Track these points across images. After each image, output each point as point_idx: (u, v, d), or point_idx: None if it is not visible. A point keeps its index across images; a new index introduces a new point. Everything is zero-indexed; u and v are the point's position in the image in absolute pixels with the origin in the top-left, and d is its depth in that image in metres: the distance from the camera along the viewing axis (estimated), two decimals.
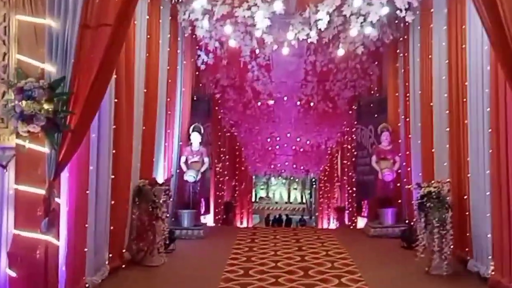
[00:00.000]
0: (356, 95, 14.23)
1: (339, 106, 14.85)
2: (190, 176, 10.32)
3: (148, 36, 8.33)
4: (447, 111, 8.14)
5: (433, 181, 7.62)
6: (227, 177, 17.39)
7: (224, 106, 15.28)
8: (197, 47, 12.10)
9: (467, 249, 7.38)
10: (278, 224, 29.67)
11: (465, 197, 7.40)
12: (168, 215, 9.85)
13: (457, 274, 7.18)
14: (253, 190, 31.20)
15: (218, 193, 15.60)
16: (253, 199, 29.18)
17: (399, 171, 10.80)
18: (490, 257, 6.53)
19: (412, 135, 10.14)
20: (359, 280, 6.88)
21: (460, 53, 7.54)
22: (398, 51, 11.07)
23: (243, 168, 20.42)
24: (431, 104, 8.87)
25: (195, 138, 10.71)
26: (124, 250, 7.46)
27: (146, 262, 7.64)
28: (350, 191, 15.82)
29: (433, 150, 8.82)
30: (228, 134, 17.41)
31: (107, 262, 6.75)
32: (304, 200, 38.13)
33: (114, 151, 6.89)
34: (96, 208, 6.33)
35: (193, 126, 10.87)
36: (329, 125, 17.04)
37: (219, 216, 15.62)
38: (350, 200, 15.99)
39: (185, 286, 6.87)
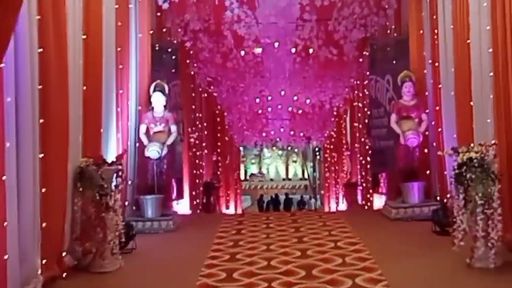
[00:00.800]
0: (367, 37, 13.59)
1: (346, 52, 14.16)
2: (152, 151, 9.73)
3: None
4: (490, 50, 7.57)
5: (473, 145, 7.08)
6: (205, 151, 16.78)
7: (198, 58, 14.61)
8: None
9: None
10: (275, 206, 29.28)
11: None
12: (126, 203, 9.50)
13: (509, 266, 6.69)
14: (242, 166, 30.69)
15: (194, 171, 15.02)
16: (242, 177, 28.72)
17: (427, 133, 10.26)
18: None
19: (443, 85, 9.58)
20: (379, 279, 6.34)
21: None
22: None
23: (226, 138, 19.70)
24: (468, 41, 8.29)
25: (158, 100, 10.08)
26: (64, 254, 6.89)
27: (95, 268, 7.11)
28: (364, 162, 15.28)
29: (471, 103, 8.29)
30: (205, 94, 16.78)
31: (39, 272, 6.21)
32: (306, 176, 37.68)
33: (42, 121, 6.27)
34: (19, 200, 5.76)
35: (154, 84, 10.22)
36: (334, 78, 16.45)
37: (197, 201, 15.08)
38: (363, 173, 15.47)
39: None
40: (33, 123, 6.05)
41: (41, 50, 6.21)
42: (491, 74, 7.55)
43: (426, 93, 10.50)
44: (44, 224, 6.30)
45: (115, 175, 7.42)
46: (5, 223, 5.40)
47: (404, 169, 10.09)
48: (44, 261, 6.26)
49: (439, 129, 9.82)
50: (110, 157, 8.07)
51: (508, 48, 7.01)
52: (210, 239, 8.82)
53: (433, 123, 10.18)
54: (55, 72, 6.49)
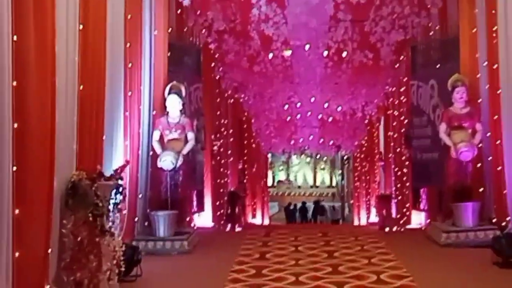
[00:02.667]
0: (407, 40, 12.01)
1: (382, 56, 12.67)
2: (165, 162, 8.20)
3: None
4: None
5: None
6: (231, 159, 15.51)
7: (223, 61, 13.24)
8: None
9: None
10: (302, 215, 28.14)
11: None
12: (136, 219, 8.05)
13: None
14: (269, 173, 29.68)
15: (218, 180, 13.62)
16: (269, 184, 27.83)
17: (480, 145, 8.57)
18: None
19: (503, 90, 7.89)
20: None
21: None
22: None
23: (253, 146, 19.02)
24: None
25: (173, 103, 8.56)
26: (48, 286, 5.40)
27: None
28: (399, 174, 13.71)
29: None
30: (231, 100, 15.53)
31: None
32: (334, 183, 36.51)
33: (15, 125, 4.80)
34: None
35: (169, 86, 8.71)
36: (368, 84, 15.22)
37: (221, 212, 13.64)
38: (399, 185, 13.90)
39: None
40: (1, 128, 4.59)
41: (15, 39, 4.76)
42: None
43: (479, 100, 8.82)
44: (17, 254, 4.85)
45: (114, 191, 5.92)
46: None
47: (455, 186, 8.42)
48: None
49: (497, 142, 8.13)
50: (111, 169, 6.60)
51: None
52: (229, 264, 7.25)
53: (488, 134, 8.50)
54: (36, 66, 4.99)
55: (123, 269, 5.98)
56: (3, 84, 4.59)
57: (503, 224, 7.94)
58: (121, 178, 6.04)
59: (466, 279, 6.44)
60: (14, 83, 4.77)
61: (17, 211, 4.81)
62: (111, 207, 5.83)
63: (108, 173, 6.11)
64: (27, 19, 4.93)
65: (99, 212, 5.62)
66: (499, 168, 8.07)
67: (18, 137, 4.82)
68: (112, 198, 5.91)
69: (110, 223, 5.77)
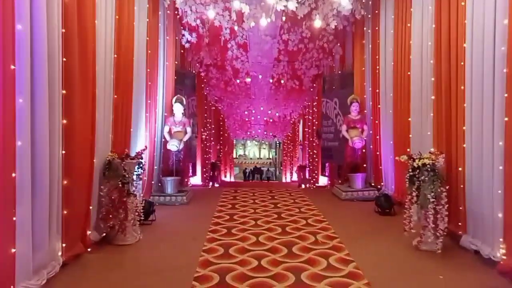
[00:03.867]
0: (320, 74, 11.35)
1: (304, 83, 12.02)
2: (172, 146, 7.29)
3: None
4: (432, 78, 5.30)
5: (424, 153, 4.84)
6: (212, 142, 14.62)
7: (209, 84, 12.26)
8: (181, 27, 8.94)
9: (459, 224, 4.67)
10: (257, 173, 27.58)
11: (460, 169, 4.65)
12: (153, 182, 7.14)
13: (450, 250, 4.49)
14: (234, 150, 28.94)
15: (205, 155, 12.71)
16: (234, 156, 27.19)
17: (365, 138, 7.99)
18: (501, 239, 3.85)
19: (381, 105, 7.31)
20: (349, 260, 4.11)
21: (456, 12, 4.64)
22: (365, 28, 8.10)
23: (226, 135, 18.19)
24: (409, 73, 6.02)
25: (178, 109, 7.61)
26: (89, 232, 4.48)
27: (117, 241, 4.73)
28: (312, 154, 13.12)
29: (409, 119, 6.03)
30: (213, 108, 14.59)
31: (60, 253, 3.83)
32: (270, 156, 35.93)
33: (64, 121, 3.85)
34: (34, 195, 3.36)
35: (175, 97, 7.77)
36: (295, 100, 14.50)
37: (207, 174, 12.76)
38: (311, 160, 13.31)
39: (157, 266, 4.03)
40: (52, 124, 3.62)
41: (64, 59, 3.80)
42: (433, 97, 5.30)
43: (365, 111, 8.23)
44: (65, 212, 3.92)
45: (136, 166, 5.02)
46: (14, 218, 3.03)
47: (350, 164, 7.81)
48: (64, 245, 3.89)
49: (377, 137, 7.57)
50: (138, 150, 5.67)
51: (454, 75, 4.76)
52: (213, 212, 6.47)
53: (370, 132, 7.93)
54: (78, 81, 4.02)
55: (142, 217, 5.12)
56: (54, 92, 3.64)
57: (379, 187, 7.43)
58: (142, 158, 5.13)
59: (360, 221, 5.86)
60: (64, 91, 3.82)
61: (65, 182, 3.89)
62: (134, 177, 4.93)
63: (133, 154, 5.20)
64: (73, 47, 3.96)
65: (126, 181, 4.76)
66: (378, 153, 7.53)
67: (66, 130, 3.90)
68: (136, 171, 5.01)
69: (134, 188, 4.87)
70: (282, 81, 12.33)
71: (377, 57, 7.39)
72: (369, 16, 7.77)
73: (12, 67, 3.05)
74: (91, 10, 4.32)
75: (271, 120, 18.15)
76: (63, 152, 3.84)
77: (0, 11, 2.92)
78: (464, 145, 4.53)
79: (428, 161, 4.52)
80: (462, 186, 4.58)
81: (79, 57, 4.03)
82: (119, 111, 5.36)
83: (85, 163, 4.29)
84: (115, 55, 5.15)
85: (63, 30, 3.77)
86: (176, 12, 8.19)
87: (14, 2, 3.05)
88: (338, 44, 9.89)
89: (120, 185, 4.69)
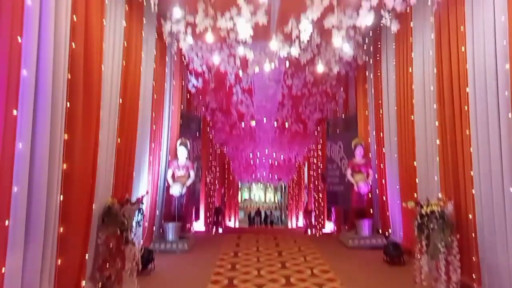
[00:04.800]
0: (323, 118, 11.45)
1: (308, 127, 12.17)
2: (175, 190, 7.15)
3: (125, 44, 5.31)
4: (436, 123, 5.26)
5: (431, 200, 4.68)
6: (217, 186, 14.49)
7: (214, 127, 12.41)
8: (187, 73, 9.16)
9: (474, 276, 4.39)
10: (258, 215, 27.03)
11: (470, 216, 4.45)
12: (154, 227, 6.93)
13: None
14: (239, 194, 28.65)
15: (209, 200, 12.51)
16: (239, 200, 26.93)
17: (370, 183, 7.80)
18: None
19: (386, 149, 7.22)
20: None
21: (457, 57, 4.68)
22: (367, 73, 8.21)
23: (231, 178, 18.19)
24: (412, 117, 5.99)
25: (182, 152, 7.57)
26: (84, 283, 4.25)
27: None
28: (317, 198, 12.87)
29: (415, 164, 5.92)
30: (218, 151, 14.66)
31: None
32: (276, 200, 35.44)
33: (65, 166, 3.80)
34: (26, 242, 3.23)
35: (179, 141, 7.75)
36: (299, 143, 14.68)
37: (210, 219, 12.49)
38: (317, 205, 13.04)
39: None
40: (52, 168, 3.56)
41: (68, 104, 3.83)
42: (438, 141, 5.22)
43: (370, 155, 8.12)
44: (59, 261, 3.76)
45: (136, 212, 4.89)
46: (3, 270, 2.90)
47: (356, 209, 7.57)
48: None
49: (383, 181, 7.40)
50: (139, 195, 5.57)
51: (458, 120, 4.72)
52: (214, 260, 6.20)
53: (376, 176, 7.78)
54: (81, 125, 4.02)
55: (140, 267, 4.90)
56: (56, 136, 3.62)
57: (387, 234, 7.15)
58: (142, 203, 5.01)
59: (368, 272, 5.54)
60: (66, 136, 3.81)
61: (61, 229, 3.76)
62: (134, 223, 4.78)
63: (134, 199, 5.08)
64: (78, 92, 4.00)
65: (125, 228, 4.59)
66: (384, 198, 7.33)
67: (66, 175, 3.82)
68: (136, 217, 4.88)
69: (133, 235, 4.70)
70: (287, 125, 12.46)
71: (380, 101, 7.42)
72: (371, 61, 7.91)
73: (15, 112, 3.06)
74: (98, 57, 4.42)
75: (276, 163, 18.20)
76: (61, 197, 3.75)
77: (7, 56, 2.97)
78: (473, 191, 4.38)
79: (436, 208, 4.36)
80: (473, 235, 4.36)
81: (84, 102, 4.05)
82: (122, 155, 5.31)
83: (83, 209, 4.18)
84: (121, 100, 5.19)
85: (69, 76, 3.82)
86: (182, 58, 8.41)
87: (21, 48, 3.11)
88: (341, 89, 10.02)
89: (119, 232, 4.54)
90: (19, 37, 3.04)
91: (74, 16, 3.81)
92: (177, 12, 5.76)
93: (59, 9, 3.57)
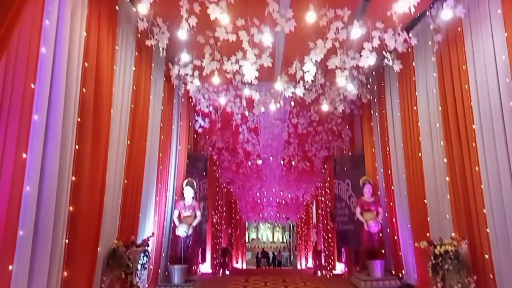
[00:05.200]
0: (330, 155, 11.41)
1: (315, 165, 12.09)
2: (181, 231, 7.01)
3: (134, 87, 5.46)
4: (445, 159, 5.22)
5: (444, 239, 4.55)
6: (224, 226, 14.25)
7: (221, 166, 12.42)
8: (195, 114, 9.33)
9: None
10: (264, 257, 26.32)
11: (486, 256, 4.29)
12: (160, 270, 6.75)
13: None
14: (246, 234, 28.11)
15: (215, 240, 12.28)
16: (246, 240, 26.39)
17: (380, 221, 7.61)
18: None
19: (395, 187, 7.12)
20: None
21: (461, 94, 4.73)
22: (372, 111, 8.28)
23: (237, 217, 17.94)
24: (420, 154, 5.96)
25: (188, 192, 7.52)
26: None
27: None
28: (327, 238, 12.57)
29: (425, 201, 5.80)
30: (225, 189, 14.58)
31: None
32: (284, 240, 34.58)
33: (71, 208, 3.80)
34: (30, 286, 3.17)
35: (186, 181, 7.72)
36: (306, 181, 14.54)
37: (217, 261, 12.18)
38: (326, 244, 12.71)
39: None
40: (58, 211, 3.56)
41: (77, 146, 3.89)
42: (447, 178, 5.15)
43: (379, 193, 7.99)
44: None
45: (142, 254, 4.80)
46: None
47: (367, 249, 7.32)
48: None
49: (393, 220, 7.23)
50: (145, 236, 5.50)
51: (467, 156, 4.68)
52: None
53: (386, 214, 7.61)
54: (88, 167, 4.06)
55: None
56: (64, 179, 3.64)
57: (400, 275, 6.88)
58: (148, 245, 4.94)
59: None
60: (73, 178, 3.83)
61: (65, 273, 3.69)
62: (139, 266, 4.69)
63: (139, 241, 5.01)
64: (87, 135, 4.07)
65: (129, 271, 4.51)
66: (396, 237, 7.13)
67: (72, 218, 3.81)
68: (141, 260, 4.78)
69: (138, 279, 4.59)
70: (293, 163, 12.43)
71: (386, 138, 7.42)
72: (375, 100, 8.00)
73: (24, 155, 3.11)
74: (108, 100, 4.54)
75: (283, 202, 17.94)
76: (66, 241, 3.71)
77: (20, 102, 3.07)
78: (488, 230, 4.25)
79: (450, 247, 4.23)
80: (491, 276, 4.18)
81: (92, 144, 4.12)
82: (128, 196, 5.30)
83: (88, 252, 4.12)
84: (128, 141, 5.27)
85: (79, 119, 3.92)
86: (190, 100, 8.59)
87: (34, 94, 3.22)
88: (347, 127, 10.07)
89: (123, 275, 4.45)
90: (32, 84, 3.15)
91: (86, 62, 3.97)
92: (184, 56, 5.96)
93: (71, 56, 3.72)
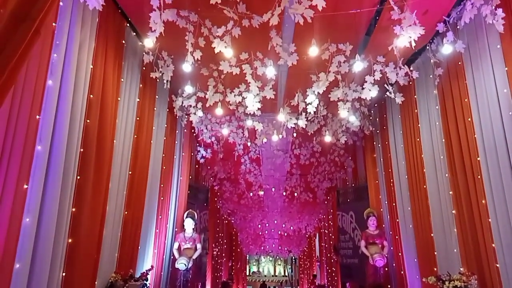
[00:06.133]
0: (333, 187, 11.32)
1: (318, 196, 11.93)
2: (181, 264, 6.85)
3: (138, 118, 5.52)
4: (450, 192, 5.17)
5: (453, 274, 4.42)
6: (224, 259, 13.92)
7: (222, 197, 12.31)
8: (197, 144, 9.36)
9: None
10: None
11: None
12: None
13: None
14: (247, 267, 27.47)
15: (215, 274, 11.99)
16: (247, 274, 25.78)
17: (386, 255, 7.44)
18: None
19: (400, 220, 7.01)
20: None
21: (465, 127, 4.75)
22: (375, 142, 8.29)
23: (238, 250, 17.51)
24: (425, 186, 5.90)
25: (189, 224, 7.40)
26: None
27: None
28: (331, 271, 12.25)
29: (432, 235, 5.69)
30: (226, 221, 14.35)
31: None
32: (286, 274, 33.77)
33: (70, 240, 3.73)
34: None
35: (187, 212, 7.62)
36: (309, 213, 14.34)
37: None
38: (329, 278, 12.38)
39: None
40: (56, 243, 3.49)
41: (78, 177, 3.88)
42: (454, 211, 5.08)
43: (383, 225, 7.86)
44: None
45: None
46: None
47: (373, 283, 7.09)
48: None
49: (399, 254, 7.06)
50: (145, 268, 5.37)
51: (472, 189, 4.64)
52: None
53: (391, 248, 7.44)
54: (90, 198, 4.03)
55: None
56: (64, 210, 3.61)
57: None
58: (147, 279, 4.81)
59: None
60: (74, 209, 3.80)
61: None
62: None
63: (138, 274, 4.89)
64: (89, 165, 4.06)
65: None
66: (402, 272, 6.94)
67: (70, 250, 3.74)
68: None
69: None
70: (296, 194, 12.32)
71: (390, 170, 7.39)
72: (378, 131, 8.03)
73: (25, 186, 3.10)
74: (111, 131, 4.57)
75: (285, 234, 17.62)
76: (63, 274, 3.62)
77: (24, 134, 3.09)
78: (497, 265, 4.14)
79: (460, 283, 4.11)
80: None
81: (94, 175, 4.11)
82: (128, 228, 5.22)
83: (85, 286, 4.01)
84: (130, 172, 5.26)
85: (81, 150, 3.93)
86: (192, 131, 8.64)
87: (38, 125, 3.24)
88: (350, 158, 10.05)
89: None
90: (37, 115, 3.18)
91: (91, 94, 4.03)
92: (188, 88, 6.06)
93: (77, 88, 3.79)
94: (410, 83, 5.99)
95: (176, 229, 7.71)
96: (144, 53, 5.31)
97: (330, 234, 12.33)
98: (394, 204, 7.24)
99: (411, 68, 5.45)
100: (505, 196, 4.06)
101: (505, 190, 4.06)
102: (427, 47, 5.47)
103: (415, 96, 6.13)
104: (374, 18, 5.03)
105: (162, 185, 6.73)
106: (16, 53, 2.08)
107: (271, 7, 4.06)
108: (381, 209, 8.00)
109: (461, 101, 4.79)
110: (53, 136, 3.49)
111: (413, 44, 4.30)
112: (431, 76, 5.56)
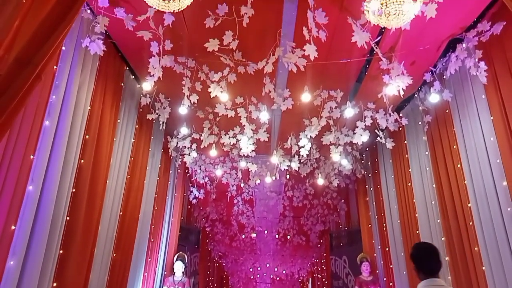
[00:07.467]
0: (326, 230, 11.19)
1: (311, 239, 11.76)
2: None
3: (132, 158, 5.50)
4: (443, 238, 5.11)
5: None
6: None
7: (213, 239, 12.04)
8: (190, 184, 9.29)
9: None
10: None
11: None
12: None
13: None
14: None
15: None
16: None
17: None
18: None
19: (394, 265, 6.85)
20: None
21: (455, 173, 4.79)
22: (367, 186, 8.30)
23: None
24: (417, 231, 5.84)
25: (179, 267, 7.15)
26: None
27: None
28: None
29: None
30: (217, 264, 13.92)
31: None
32: None
33: (54, 285, 3.57)
34: None
35: (177, 255, 7.39)
36: (301, 256, 13.99)
37: None
38: None
39: None
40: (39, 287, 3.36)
41: (68, 218, 3.79)
42: (447, 258, 5.00)
43: (377, 271, 7.67)
44: None
45: None
46: None
47: None
48: None
49: None
50: None
51: (464, 236, 4.60)
52: None
53: None
54: (79, 239, 3.92)
55: None
56: (50, 252, 3.52)
57: None
58: None
59: None
60: (61, 251, 3.68)
61: None
62: None
63: None
64: (80, 206, 3.98)
65: None
66: None
67: None
68: None
69: None
70: (288, 237, 12.09)
71: (382, 214, 7.33)
72: (370, 175, 8.06)
73: (13, 227, 3.01)
74: (105, 172, 4.53)
75: (277, 278, 17.06)
76: None
77: (16, 174, 3.05)
78: None
79: None
80: None
81: (85, 216, 4.02)
82: (116, 272, 5.03)
83: None
84: (121, 213, 5.15)
85: (73, 190, 3.87)
86: (186, 171, 8.61)
87: (31, 165, 3.21)
88: (342, 201, 10.01)
89: None
90: (31, 155, 3.17)
91: (87, 135, 4.04)
92: (183, 130, 6.12)
93: (73, 129, 3.80)
94: (400, 129, 6.11)
95: (165, 272, 7.44)
96: (141, 96, 5.40)
97: (323, 279, 11.99)
98: (387, 249, 7.11)
99: (400, 115, 5.59)
100: (497, 245, 4.02)
101: (497, 237, 4.03)
102: (416, 95, 5.64)
103: (405, 142, 6.23)
104: (364, 67, 5.24)
105: (153, 226, 6.58)
106: (16, 97, 2.11)
107: (266, 56, 4.22)
108: (375, 254, 7.84)
109: (450, 148, 4.87)
110: (45, 176, 3.44)
111: (402, 92, 4.45)
112: (420, 122, 5.69)
